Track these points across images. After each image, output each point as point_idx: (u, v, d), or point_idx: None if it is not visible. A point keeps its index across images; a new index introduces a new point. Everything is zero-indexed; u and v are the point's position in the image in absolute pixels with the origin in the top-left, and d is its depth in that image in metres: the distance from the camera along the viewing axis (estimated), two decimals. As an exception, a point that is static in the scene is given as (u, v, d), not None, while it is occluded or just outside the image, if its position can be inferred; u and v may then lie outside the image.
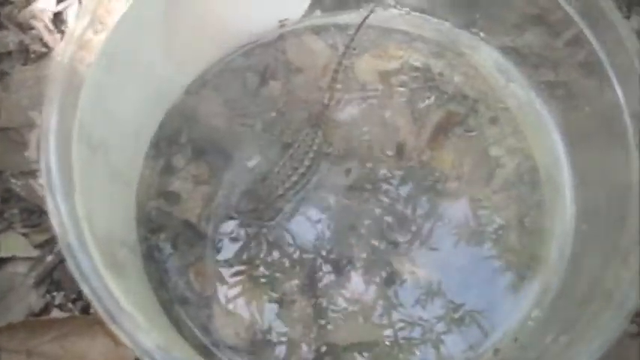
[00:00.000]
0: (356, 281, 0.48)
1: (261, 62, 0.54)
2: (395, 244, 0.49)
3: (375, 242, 0.49)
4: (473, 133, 0.52)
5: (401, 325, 0.47)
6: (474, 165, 0.51)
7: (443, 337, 0.46)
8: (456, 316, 0.47)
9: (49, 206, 0.36)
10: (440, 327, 0.47)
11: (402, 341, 0.46)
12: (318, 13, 0.55)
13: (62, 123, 0.37)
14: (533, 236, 0.49)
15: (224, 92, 0.53)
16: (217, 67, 0.54)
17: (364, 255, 0.48)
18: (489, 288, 0.48)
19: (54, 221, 0.35)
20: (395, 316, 0.47)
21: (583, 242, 0.46)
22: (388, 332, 0.47)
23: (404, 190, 0.50)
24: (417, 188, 0.50)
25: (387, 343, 0.46)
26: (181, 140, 0.52)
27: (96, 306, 0.35)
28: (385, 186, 0.50)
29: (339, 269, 0.48)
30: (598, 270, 0.42)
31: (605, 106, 0.45)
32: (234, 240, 0.49)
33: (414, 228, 0.49)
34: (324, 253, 0.48)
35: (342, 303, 0.47)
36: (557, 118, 0.51)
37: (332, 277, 0.48)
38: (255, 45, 0.54)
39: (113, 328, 0.35)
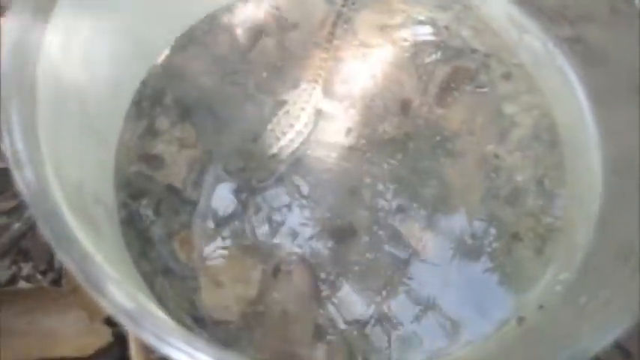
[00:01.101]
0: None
1: (253, 18, 0.50)
2: (401, 210, 0.44)
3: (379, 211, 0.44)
4: (484, 89, 0.48)
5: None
6: (487, 123, 0.47)
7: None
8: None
9: (6, 143, 0.31)
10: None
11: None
12: (314, -35, 0.51)
13: (22, 47, 0.33)
14: (554, 197, 0.45)
15: (213, 49, 0.49)
16: (206, 23, 0.49)
17: (366, 223, 0.44)
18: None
19: (10, 156, 0.30)
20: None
21: (612, 199, 0.42)
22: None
23: (409, 151, 0.45)
24: (423, 148, 0.45)
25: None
26: (166, 100, 0.47)
27: (61, 256, 0.30)
28: (389, 146, 0.46)
29: (342, 238, 0.44)
30: (629, 226, 0.38)
31: (629, 62, 0.41)
32: (224, 206, 0.44)
33: (419, 193, 0.44)
34: (322, 220, 0.44)
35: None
36: (579, 72, 0.47)
37: (331, 248, 0.43)
38: (245, 0, 0.50)
39: (83, 283, 0.30)
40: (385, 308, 0.41)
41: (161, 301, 0.42)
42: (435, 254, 0.43)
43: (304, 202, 0.44)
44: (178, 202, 0.45)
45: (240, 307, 0.42)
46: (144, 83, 0.47)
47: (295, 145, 0.44)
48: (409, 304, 0.42)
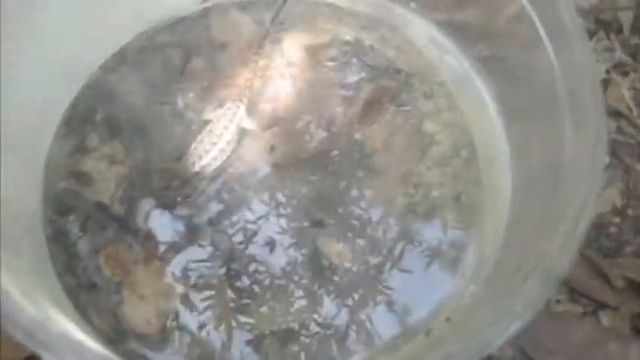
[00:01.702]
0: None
1: (184, 38, 0.51)
2: (320, 224, 0.46)
3: (301, 223, 0.46)
4: (406, 108, 0.49)
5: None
6: (408, 140, 0.48)
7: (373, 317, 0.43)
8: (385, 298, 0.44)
9: None
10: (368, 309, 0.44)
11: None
12: (245, -13, 0.53)
13: None
14: (469, 212, 0.46)
15: (144, 70, 0.50)
16: (137, 43, 0.51)
17: (289, 236, 0.45)
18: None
19: None
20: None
21: (517, 214, 0.43)
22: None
23: (331, 168, 0.47)
24: (344, 164, 0.47)
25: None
26: (96, 118, 0.49)
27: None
28: (311, 163, 0.47)
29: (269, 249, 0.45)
30: (531, 239, 0.40)
31: (541, 81, 0.42)
32: (149, 221, 0.46)
33: (340, 210, 0.46)
34: (245, 235, 0.45)
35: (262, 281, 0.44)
36: (494, 92, 0.49)
37: (258, 256, 0.45)
38: (177, 20, 0.52)
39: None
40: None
41: (85, 315, 0.43)
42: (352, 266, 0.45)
43: (227, 218, 0.46)
44: (105, 219, 0.46)
45: (160, 322, 0.43)
46: (74, 102, 0.48)
47: (218, 162, 0.46)
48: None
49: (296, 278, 0.44)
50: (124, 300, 0.44)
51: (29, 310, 0.33)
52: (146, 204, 0.46)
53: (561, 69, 0.41)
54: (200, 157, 0.45)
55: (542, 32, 0.42)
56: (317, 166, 0.47)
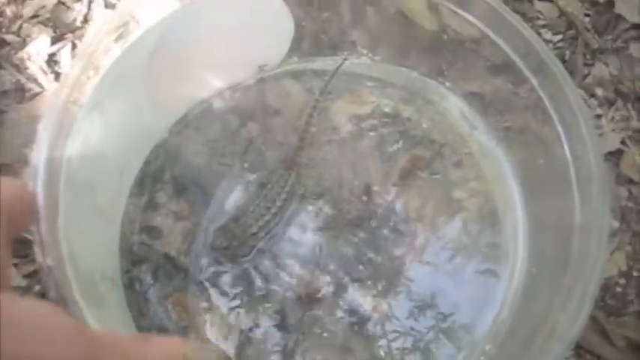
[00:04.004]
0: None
1: (240, 105, 0.58)
2: (359, 280, 0.52)
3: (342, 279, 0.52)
4: (437, 176, 0.56)
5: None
6: (438, 206, 0.55)
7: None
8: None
9: (35, 240, 0.39)
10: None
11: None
12: (295, 59, 0.58)
13: (51, 161, 0.40)
14: (488, 276, 0.53)
15: (205, 133, 0.57)
16: (199, 109, 0.57)
17: (331, 289, 0.52)
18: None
19: (38, 256, 0.39)
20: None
21: (532, 283, 0.50)
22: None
23: (369, 231, 0.53)
24: (381, 228, 0.53)
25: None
26: (164, 178, 0.55)
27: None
28: (353, 226, 0.54)
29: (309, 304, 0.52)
30: (544, 310, 0.45)
31: (555, 159, 0.48)
32: (211, 274, 0.53)
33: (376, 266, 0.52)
34: (294, 290, 0.52)
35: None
36: (515, 165, 0.55)
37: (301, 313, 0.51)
38: (235, 88, 0.58)
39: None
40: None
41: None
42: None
43: (279, 274, 0.52)
44: (172, 269, 0.53)
45: (223, 363, 0.50)
46: (146, 163, 0.55)
47: (272, 225, 0.53)
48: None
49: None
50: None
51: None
52: (208, 258, 0.53)
53: (569, 141, 0.47)
54: (256, 220, 0.52)
55: (551, 111, 0.48)
56: (357, 229, 0.53)
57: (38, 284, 0.52)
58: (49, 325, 0.25)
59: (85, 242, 0.45)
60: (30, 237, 0.51)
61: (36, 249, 0.39)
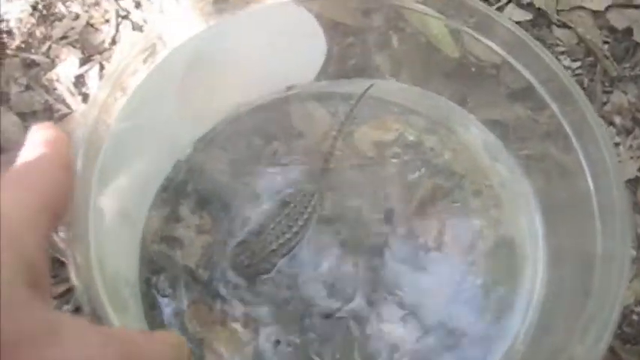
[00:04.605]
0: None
1: (265, 124, 0.59)
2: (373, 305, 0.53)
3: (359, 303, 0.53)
4: (457, 205, 0.56)
5: None
6: (457, 234, 0.55)
7: None
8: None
9: (69, 254, 0.39)
10: None
11: None
12: (323, 82, 0.60)
13: (83, 180, 0.41)
14: (502, 304, 0.53)
15: (229, 150, 0.58)
16: (224, 126, 0.58)
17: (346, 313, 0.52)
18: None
19: (72, 269, 0.39)
20: None
21: (549, 314, 0.50)
22: None
23: (388, 255, 0.54)
24: (400, 254, 0.54)
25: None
26: (187, 191, 0.56)
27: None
28: (372, 251, 0.54)
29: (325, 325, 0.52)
30: (560, 341, 0.46)
31: (577, 187, 0.49)
32: (229, 288, 0.53)
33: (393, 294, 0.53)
34: (311, 310, 0.52)
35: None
36: (536, 195, 0.55)
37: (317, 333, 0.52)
38: (261, 106, 0.59)
39: None
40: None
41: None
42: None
43: (297, 292, 0.53)
44: (190, 281, 0.53)
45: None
46: (169, 177, 0.56)
47: (292, 244, 0.53)
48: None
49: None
50: (204, 356, 0.51)
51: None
52: (227, 273, 0.53)
53: (590, 169, 0.47)
54: (277, 238, 0.53)
55: (572, 138, 0.49)
56: (376, 254, 0.54)
57: (67, 304, 0.53)
58: None
59: (111, 248, 0.46)
60: (60, 256, 0.52)
61: (69, 263, 0.39)
